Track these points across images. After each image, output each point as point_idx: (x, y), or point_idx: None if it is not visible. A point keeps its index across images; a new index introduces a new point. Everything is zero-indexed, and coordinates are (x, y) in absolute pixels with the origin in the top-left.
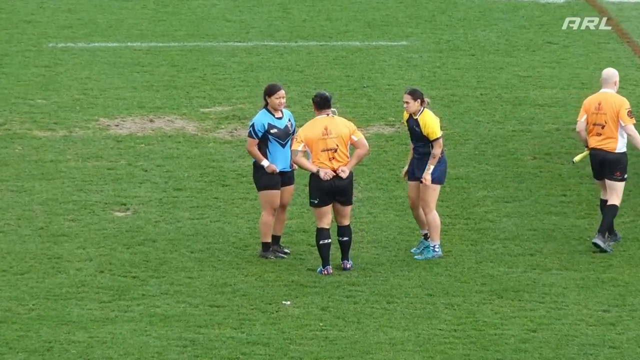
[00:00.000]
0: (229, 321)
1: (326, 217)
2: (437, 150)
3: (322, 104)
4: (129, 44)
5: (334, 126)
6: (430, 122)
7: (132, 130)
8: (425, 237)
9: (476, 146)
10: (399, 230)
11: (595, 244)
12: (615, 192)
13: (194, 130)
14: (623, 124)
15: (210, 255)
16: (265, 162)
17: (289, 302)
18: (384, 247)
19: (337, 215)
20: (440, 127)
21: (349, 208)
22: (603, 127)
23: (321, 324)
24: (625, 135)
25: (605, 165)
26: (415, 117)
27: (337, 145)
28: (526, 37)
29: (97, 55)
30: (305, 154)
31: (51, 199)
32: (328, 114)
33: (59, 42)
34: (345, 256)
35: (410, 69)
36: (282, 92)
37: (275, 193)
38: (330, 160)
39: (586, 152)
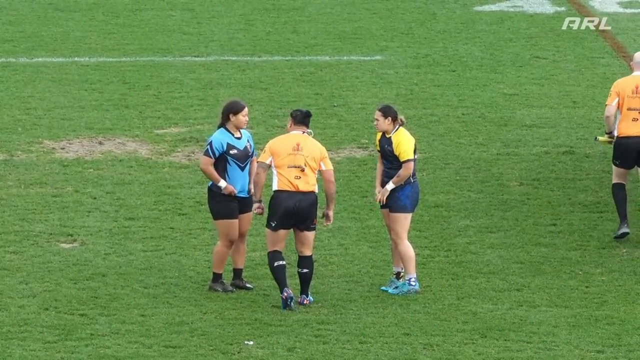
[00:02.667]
0: None
1: (281, 243)
2: (403, 172)
3: (300, 119)
4: (75, 59)
5: (307, 145)
6: (404, 142)
7: (79, 153)
8: (397, 276)
9: (457, 171)
10: (372, 264)
11: (623, 235)
12: None
13: (147, 154)
14: None
15: (166, 290)
16: (222, 183)
17: (251, 342)
18: (356, 281)
19: (297, 243)
20: (418, 150)
21: (310, 235)
22: None
23: None
24: None
25: None
26: (388, 136)
27: (306, 165)
28: (512, 51)
29: (41, 72)
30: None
31: None
32: (304, 132)
33: None
34: (304, 290)
35: (385, 86)
36: (246, 110)
37: (233, 223)
38: (296, 178)
39: (606, 138)
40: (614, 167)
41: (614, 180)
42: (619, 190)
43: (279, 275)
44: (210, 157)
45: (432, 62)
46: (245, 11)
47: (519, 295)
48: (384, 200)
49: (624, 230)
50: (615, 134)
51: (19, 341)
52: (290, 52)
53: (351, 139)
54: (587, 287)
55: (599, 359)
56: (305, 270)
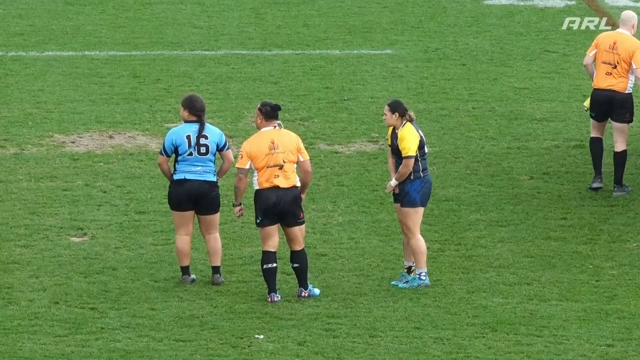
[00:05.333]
0: (197, 357)
1: (271, 239)
2: (403, 169)
3: (270, 114)
4: (86, 52)
5: (281, 140)
6: (407, 138)
7: (89, 147)
8: (409, 271)
9: (468, 165)
10: (383, 257)
11: (596, 189)
12: (622, 135)
13: (157, 148)
14: (635, 67)
15: (176, 284)
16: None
17: (262, 336)
18: (366, 275)
19: (287, 240)
20: (428, 144)
21: (298, 230)
22: (615, 67)
23: None
24: (632, 78)
25: (615, 106)
26: (396, 131)
27: (284, 161)
28: (522, 45)
29: (52, 65)
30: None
31: (1, 223)
32: (275, 126)
33: (9, 50)
34: (301, 284)
35: (395, 80)
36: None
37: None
38: (275, 177)
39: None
40: (591, 120)
41: (592, 135)
42: (595, 144)
43: (267, 277)
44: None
45: (443, 55)
46: (256, 5)
47: (529, 289)
48: (391, 188)
49: (597, 184)
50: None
51: (29, 335)
52: (301, 46)
53: (361, 133)
54: (597, 281)
55: (609, 352)
56: (296, 265)
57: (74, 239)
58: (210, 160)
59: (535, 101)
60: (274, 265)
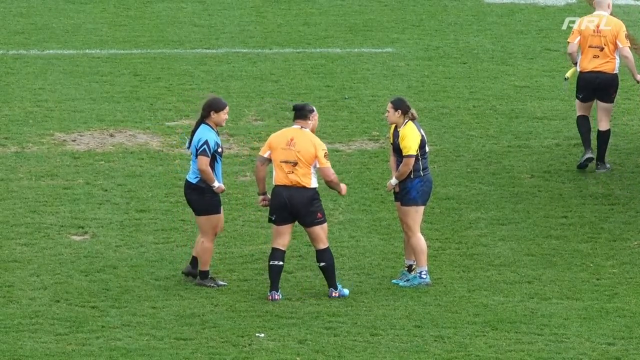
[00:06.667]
0: (197, 355)
1: (281, 238)
2: (403, 168)
3: (295, 114)
4: (87, 51)
5: (300, 140)
6: (408, 137)
7: (90, 145)
8: (409, 269)
9: (468, 163)
10: (384, 256)
11: (589, 159)
12: (607, 115)
13: (158, 146)
14: (621, 46)
15: (177, 283)
16: (216, 183)
17: (263, 335)
18: (367, 274)
19: (309, 239)
20: (429, 143)
21: (316, 230)
22: (602, 49)
23: (298, 359)
24: (619, 58)
25: (603, 87)
26: (398, 129)
27: (298, 160)
28: (523, 43)
29: (52, 64)
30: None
31: (1, 222)
32: (301, 127)
33: (10, 49)
34: (330, 284)
35: (395, 78)
36: (228, 108)
37: (220, 217)
38: (288, 173)
39: (574, 69)
40: (577, 101)
41: (578, 113)
42: (583, 121)
43: (270, 274)
44: (208, 156)
45: (443, 54)
46: (257, 3)
47: (530, 288)
48: (391, 186)
49: (589, 155)
50: (578, 69)
51: (30, 333)
52: (301, 44)
53: (362, 131)
54: (598, 279)
55: (609, 351)
56: (322, 264)
57: (74, 237)
58: (193, 161)
59: (536, 99)
60: (280, 263)
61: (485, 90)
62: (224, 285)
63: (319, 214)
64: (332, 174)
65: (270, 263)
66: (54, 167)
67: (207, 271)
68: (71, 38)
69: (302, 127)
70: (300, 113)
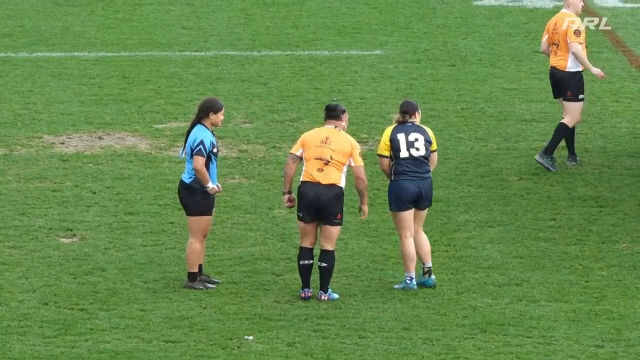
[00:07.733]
0: (186, 358)
1: (308, 237)
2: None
3: (326, 114)
4: (75, 53)
5: (336, 139)
6: (382, 136)
7: (79, 148)
8: (427, 272)
9: (457, 166)
10: (372, 258)
11: (537, 162)
12: (568, 112)
13: (147, 149)
14: (569, 41)
15: (165, 285)
16: (210, 184)
17: (251, 337)
18: (355, 276)
19: (320, 236)
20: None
21: (333, 230)
22: (558, 45)
23: None
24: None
25: (557, 83)
26: None
27: (332, 158)
28: (512, 45)
29: (41, 66)
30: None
31: None
32: (336, 126)
33: None
34: (322, 286)
35: (384, 81)
36: (224, 110)
37: (210, 219)
38: (318, 171)
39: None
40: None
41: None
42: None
43: (302, 274)
44: (204, 156)
45: (432, 56)
46: (245, 5)
47: (519, 290)
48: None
49: (537, 158)
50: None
51: (18, 336)
52: (290, 47)
53: (351, 134)
54: (586, 281)
55: (598, 353)
56: (324, 265)
57: (63, 239)
58: (188, 162)
59: (525, 102)
60: (309, 262)
61: (474, 93)
62: (213, 288)
63: (339, 215)
64: (364, 174)
65: (300, 263)
66: (42, 169)
67: (195, 273)
68: (59, 41)
69: (335, 126)
70: (333, 113)
